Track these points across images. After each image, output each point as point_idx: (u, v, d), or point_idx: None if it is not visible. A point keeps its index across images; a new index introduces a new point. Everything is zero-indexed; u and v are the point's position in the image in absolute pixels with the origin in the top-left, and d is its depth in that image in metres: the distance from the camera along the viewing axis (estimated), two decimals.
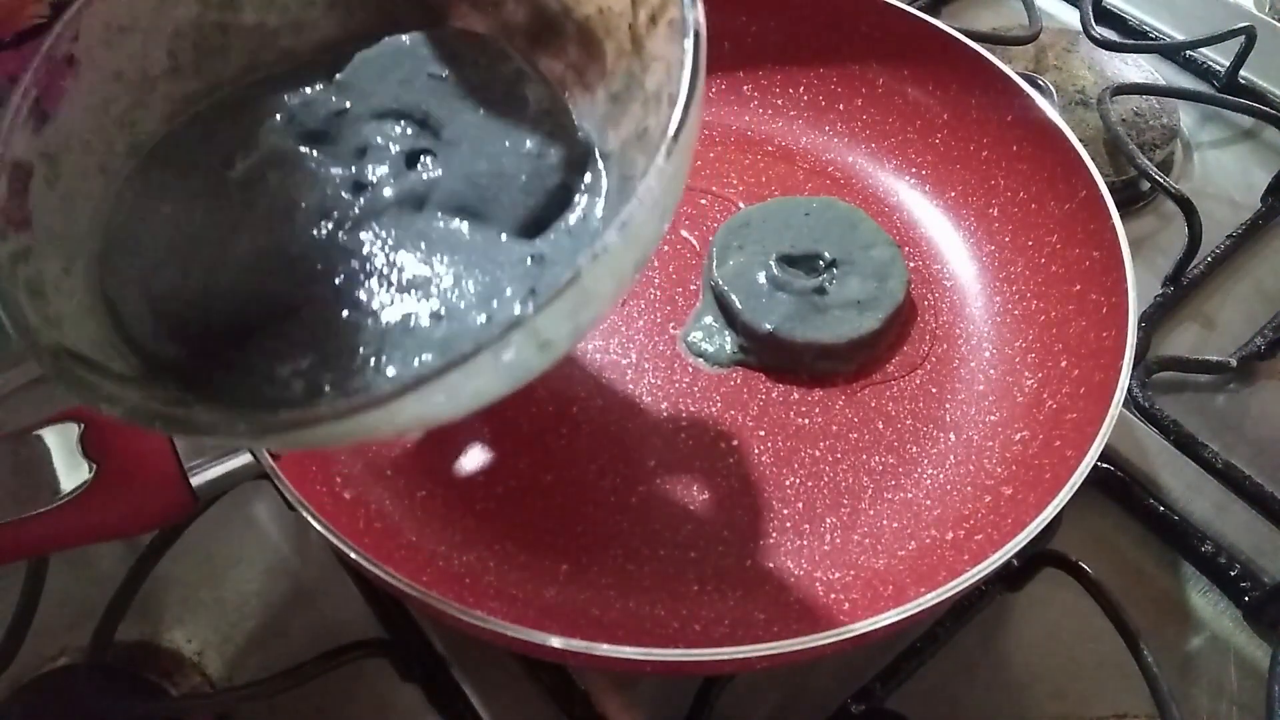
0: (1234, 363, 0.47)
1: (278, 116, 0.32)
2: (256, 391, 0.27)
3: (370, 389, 0.26)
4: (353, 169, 0.31)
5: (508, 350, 0.23)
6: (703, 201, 0.50)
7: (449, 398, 0.24)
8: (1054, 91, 0.48)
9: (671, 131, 0.24)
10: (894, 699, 0.39)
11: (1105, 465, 0.44)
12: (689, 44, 0.25)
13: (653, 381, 0.44)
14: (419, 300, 0.28)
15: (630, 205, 0.24)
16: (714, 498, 0.40)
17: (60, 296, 0.27)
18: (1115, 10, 0.64)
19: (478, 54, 0.32)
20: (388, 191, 0.30)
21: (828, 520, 0.40)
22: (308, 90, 0.32)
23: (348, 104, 0.32)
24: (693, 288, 0.47)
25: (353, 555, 0.32)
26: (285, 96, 0.32)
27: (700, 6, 0.26)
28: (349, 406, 0.22)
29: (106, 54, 0.30)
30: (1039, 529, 0.33)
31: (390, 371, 0.27)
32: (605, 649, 0.31)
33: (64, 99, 0.29)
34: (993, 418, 0.43)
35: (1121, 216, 0.42)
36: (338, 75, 0.32)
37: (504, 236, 0.29)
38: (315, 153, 0.31)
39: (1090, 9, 0.61)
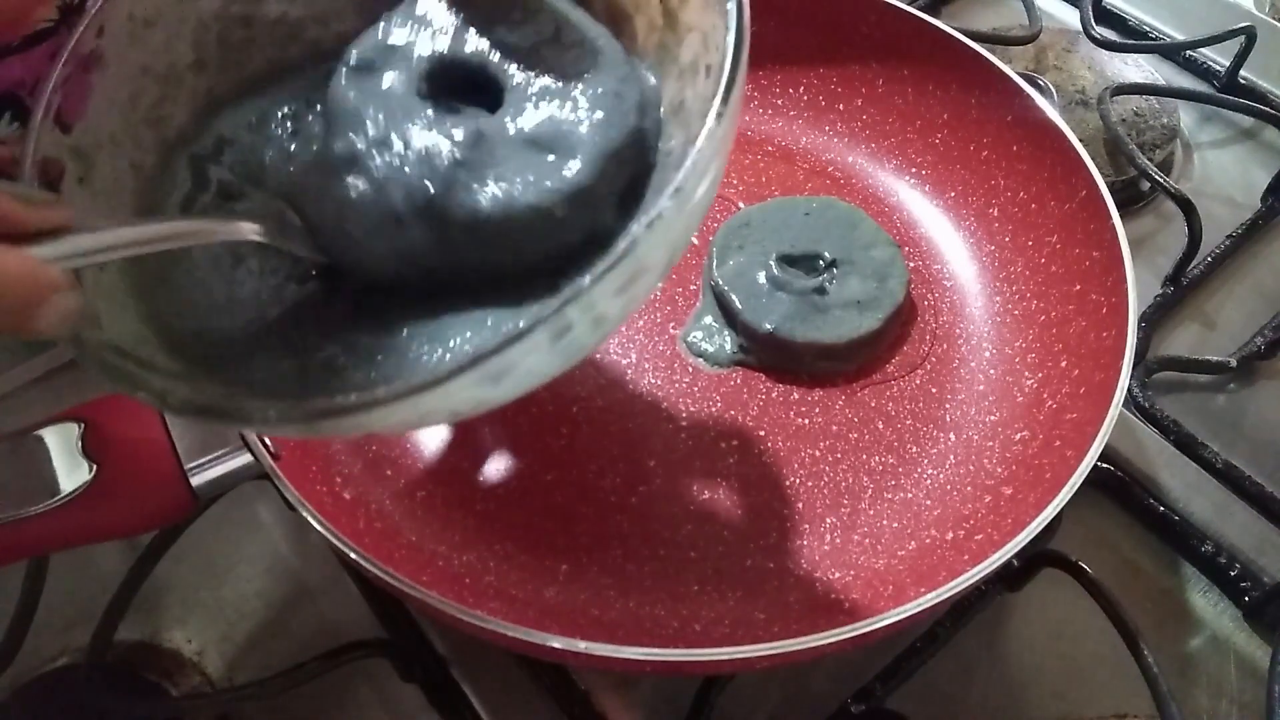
0: (1234, 363, 0.47)
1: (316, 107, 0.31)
2: (297, 381, 0.27)
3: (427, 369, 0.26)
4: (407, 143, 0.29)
5: (567, 322, 0.23)
6: None
7: (503, 377, 0.23)
8: (1054, 91, 0.48)
9: (720, 94, 0.24)
10: (894, 699, 0.39)
11: (1105, 465, 0.44)
12: (732, 5, 0.25)
13: (653, 381, 0.44)
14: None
15: (684, 170, 0.23)
16: (714, 498, 0.41)
17: (97, 294, 0.27)
18: (1115, 10, 0.64)
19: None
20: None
21: (828, 520, 0.40)
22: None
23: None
24: (693, 288, 0.47)
25: (353, 555, 0.32)
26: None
27: None
28: (407, 388, 0.22)
29: (132, 49, 0.30)
30: (1039, 529, 0.33)
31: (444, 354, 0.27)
32: (605, 649, 0.31)
33: (92, 95, 0.29)
34: (993, 418, 0.43)
35: (1121, 216, 0.42)
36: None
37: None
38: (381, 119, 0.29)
39: (1090, 9, 0.61)
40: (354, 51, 0.31)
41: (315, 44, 0.34)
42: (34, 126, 0.28)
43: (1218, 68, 0.61)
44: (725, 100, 0.24)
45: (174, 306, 0.29)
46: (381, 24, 0.31)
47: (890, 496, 0.41)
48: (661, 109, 0.30)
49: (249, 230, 0.28)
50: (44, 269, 0.22)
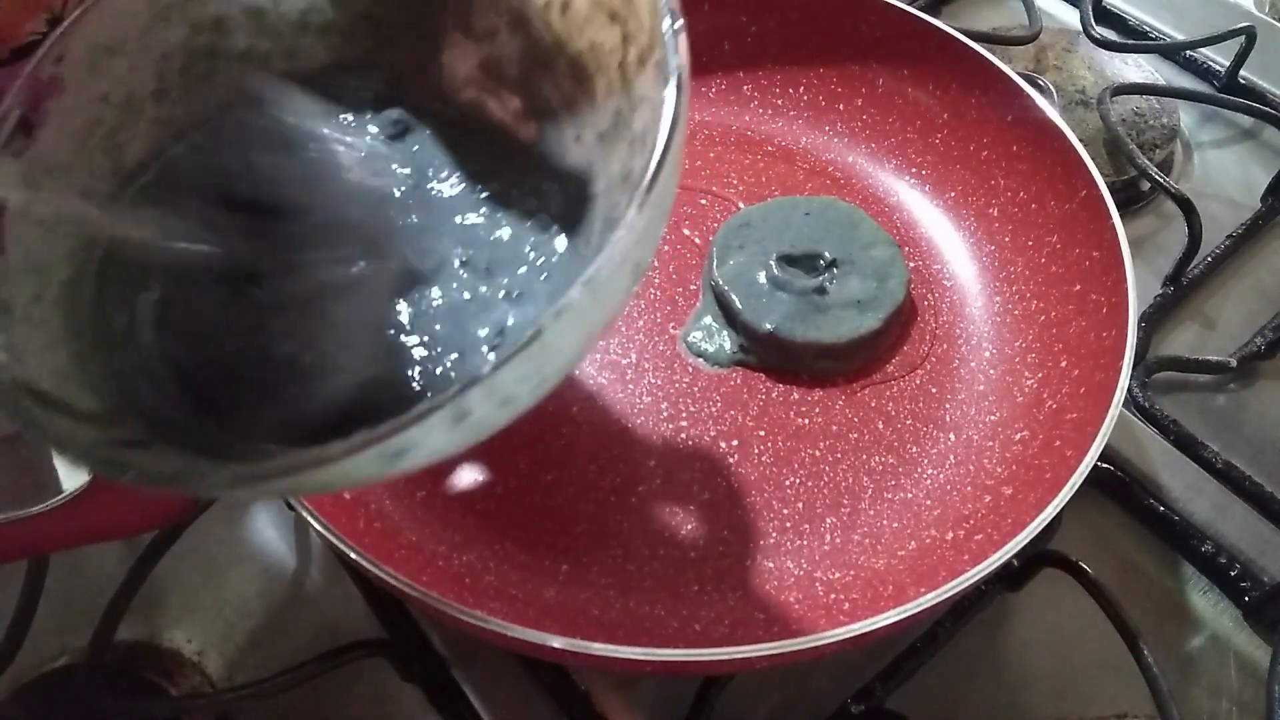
0: (1234, 363, 0.47)
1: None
2: (223, 446, 0.27)
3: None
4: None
5: (467, 406, 0.22)
6: (703, 201, 0.50)
7: (403, 456, 0.23)
8: (1054, 91, 0.48)
9: (645, 184, 0.23)
10: (894, 699, 0.39)
11: (1105, 465, 0.44)
12: (670, 91, 0.24)
13: (653, 381, 0.44)
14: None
15: (598, 260, 0.22)
16: (714, 497, 0.41)
17: (28, 326, 0.26)
18: (1115, 10, 0.64)
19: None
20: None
21: (828, 520, 0.40)
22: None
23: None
24: (693, 288, 0.47)
25: (353, 555, 0.32)
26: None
27: (685, 54, 0.25)
28: (299, 462, 0.22)
29: (92, 77, 0.29)
30: (1039, 529, 0.33)
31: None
32: (605, 649, 0.31)
33: (47, 123, 0.28)
34: (993, 418, 0.43)
35: (1121, 216, 0.42)
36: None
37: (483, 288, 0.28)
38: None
39: (1090, 9, 0.61)
40: None
41: (281, 78, 0.33)
42: None
43: (1218, 68, 0.61)
44: (649, 190, 0.23)
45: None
46: None
47: (890, 496, 0.41)
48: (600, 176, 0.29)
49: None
50: None
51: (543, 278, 0.28)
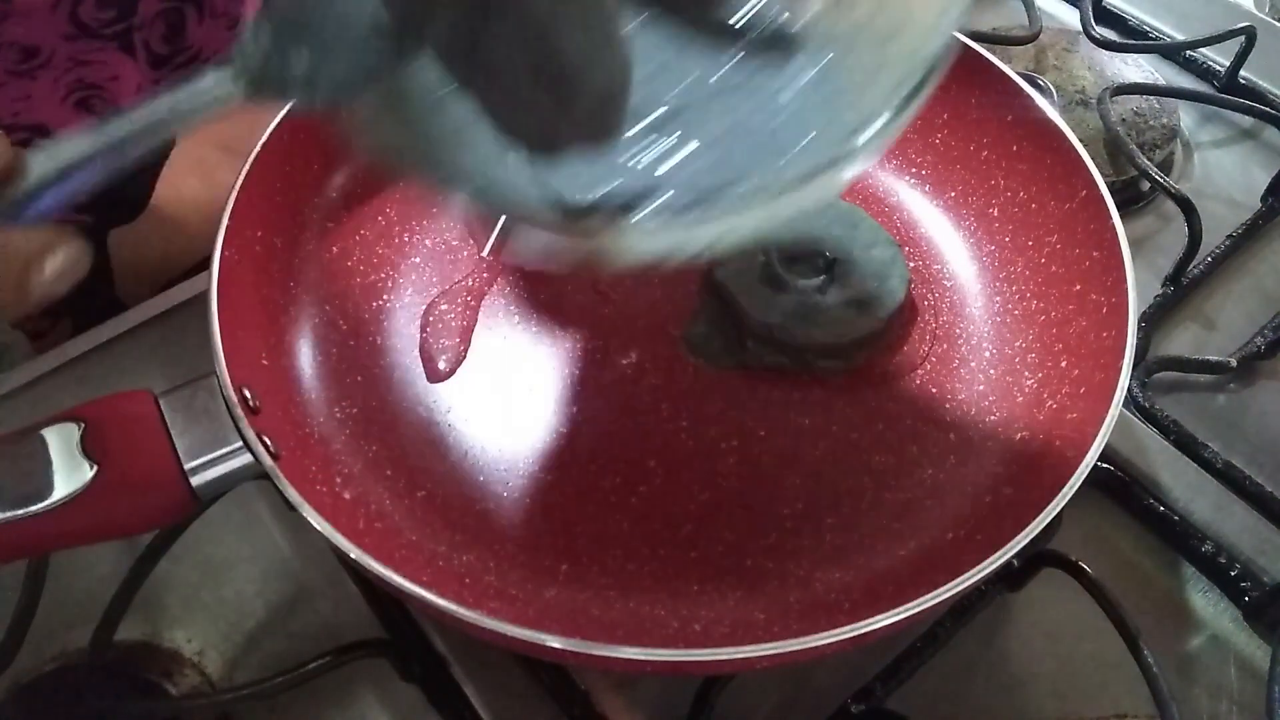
0: (1234, 363, 0.47)
1: None
2: None
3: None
4: None
5: None
6: None
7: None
8: (1054, 91, 0.48)
9: None
10: (894, 699, 0.39)
11: (1105, 465, 0.44)
12: None
13: (653, 381, 0.44)
14: None
15: None
16: (714, 498, 0.40)
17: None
18: (1115, 10, 0.64)
19: None
20: None
21: (828, 520, 0.40)
22: None
23: None
24: (693, 288, 0.47)
25: (353, 555, 0.32)
26: None
27: None
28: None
29: None
30: (1039, 529, 0.33)
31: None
32: (605, 649, 0.31)
33: None
34: (993, 418, 0.43)
35: (1121, 216, 0.42)
36: None
37: None
38: None
39: (1090, 9, 0.61)
40: None
41: None
42: None
43: (1218, 68, 0.61)
44: None
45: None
46: None
47: (890, 496, 0.41)
48: None
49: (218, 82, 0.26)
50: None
51: None
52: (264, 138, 0.43)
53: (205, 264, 0.39)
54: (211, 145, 0.52)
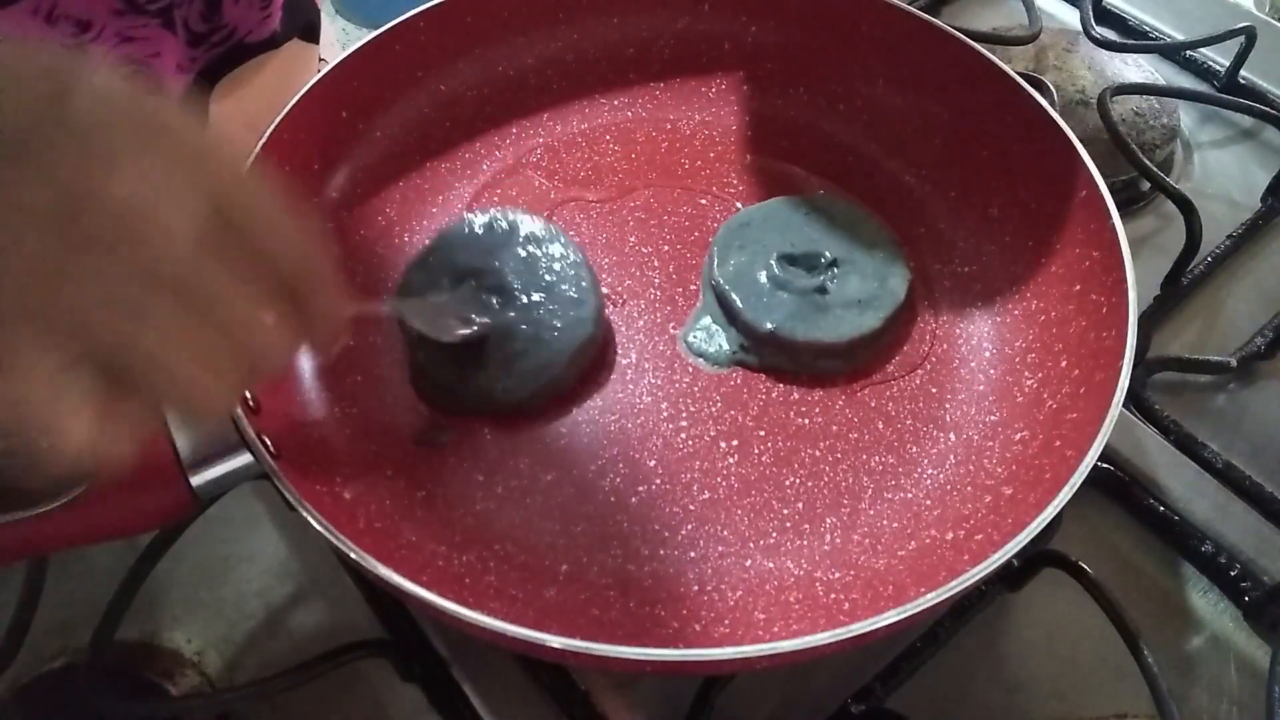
0: (1234, 363, 0.47)
1: None
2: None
3: None
4: None
5: None
6: (703, 201, 0.50)
7: None
8: (1054, 91, 0.48)
9: None
10: (894, 699, 0.39)
11: (1105, 465, 0.44)
12: None
13: (653, 381, 0.44)
14: None
15: None
16: (714, 498, 0.41)
17: None
18: (1115, 10, 0.64)
19: None
20: None
21: (828, 520, 0.40)
22: None
23: None
24: (693, 288, 0.47)
25: (353, 555, 0.32)
26: None
27: None
28: None
29: None
30: (1039, 529, 0.33)
31: None
32: (605, 649, 0.31)
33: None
34: (993, 418, 0.43)
35: (1121, 216, 0.42)
36: None
37: None
38: None
39: (1090, 9, 0.61)
40: None
41: None
42: None
43: (1218, 68, 0.61)
44: None
45: None
46: None
47: (890, 496, 0.41)
48: None
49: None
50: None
51: None
52: (264, 138, 0.43)
53: None
54: (239, 124, 0.53)
